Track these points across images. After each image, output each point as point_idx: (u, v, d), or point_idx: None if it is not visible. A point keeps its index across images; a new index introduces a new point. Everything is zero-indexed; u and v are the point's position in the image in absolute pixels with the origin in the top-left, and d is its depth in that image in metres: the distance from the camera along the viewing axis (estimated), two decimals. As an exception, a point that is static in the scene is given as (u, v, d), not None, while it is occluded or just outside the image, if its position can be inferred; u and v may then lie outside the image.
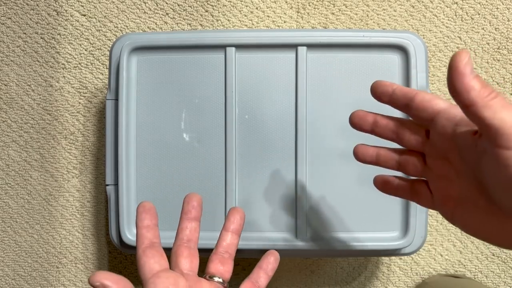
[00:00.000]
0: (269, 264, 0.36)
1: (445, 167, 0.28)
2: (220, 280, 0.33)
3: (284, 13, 0.56)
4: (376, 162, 0.32)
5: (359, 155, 0.33)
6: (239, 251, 0.48)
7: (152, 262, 0.31)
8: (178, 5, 0.57)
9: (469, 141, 0.25)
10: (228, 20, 0.56)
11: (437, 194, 0.29)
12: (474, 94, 0.23)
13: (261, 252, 0.46)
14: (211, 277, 0.33)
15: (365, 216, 0.45)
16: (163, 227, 0.46)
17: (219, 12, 0.56)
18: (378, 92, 0.31)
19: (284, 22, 0.56)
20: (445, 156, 0.27)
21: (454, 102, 0.25)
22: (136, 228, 0.33)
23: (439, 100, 0.27)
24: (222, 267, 0.33)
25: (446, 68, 0.56)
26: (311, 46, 0.45)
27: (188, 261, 0.32)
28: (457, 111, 0.26)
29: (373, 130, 0.31)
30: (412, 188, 0.31)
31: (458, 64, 0.23)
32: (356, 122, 0.32)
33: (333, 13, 0.56)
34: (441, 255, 0.57)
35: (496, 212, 0.25)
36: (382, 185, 0.33)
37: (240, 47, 0.45)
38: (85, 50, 0.57)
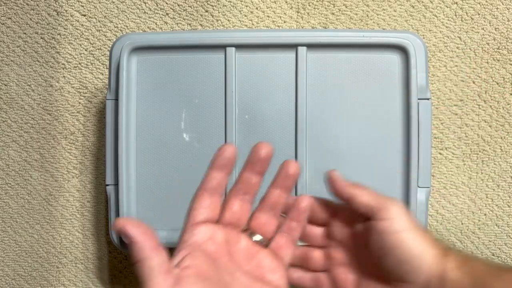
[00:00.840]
0: (301, 213, 0.32)
1: (343, 256, 0.33)
2: (260, 238, 0.31)
3: (284, 13, 0.56)
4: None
5: None
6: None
7: (201, 211, 0.29)
8: (178, 5, 0.57)
9: (360, 231, 0.31)
10: (228, 20, 0.56)
11: (337, 281, 0.32)
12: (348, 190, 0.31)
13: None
14: (251, 234, 0.31)
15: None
16: (163, 227, 0.46)
17: (219, 12, 0.56)
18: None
19: (284, 22, 0.56)
20: (344, 245, 0.33)
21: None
22: (209, 166, 0.30)
23: (329, 204, 0.33)
24: (264, 224, 0.31)
25: (446, 68, 0.56)
26: (311, 46, 0.45)
27: (235, 213, 0.30)
28: (349, 210, 0.32)
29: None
30: (315, 279, 0.33)
31: (333, 180, 0.32)
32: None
33: (333, 13, 0.56)
34: (441, 255, 0.57)
35: (387, 286, 0.30)
36: (290, 278, 0.33)
37: (240, 47, 0.45)
38: (85, 50, 0.57)
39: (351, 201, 0.31)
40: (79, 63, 0.57)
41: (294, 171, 0.31)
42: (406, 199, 0.45)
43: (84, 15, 0.57)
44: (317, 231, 0.34)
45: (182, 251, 0.28)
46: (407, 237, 0.29)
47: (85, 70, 0.57)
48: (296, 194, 0.45)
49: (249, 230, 0.31)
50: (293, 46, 0.45)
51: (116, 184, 0.46)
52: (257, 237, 0.31)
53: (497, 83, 0.56)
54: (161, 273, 0.25)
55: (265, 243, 0.31)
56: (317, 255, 0.33)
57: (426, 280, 0.28)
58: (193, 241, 0.28)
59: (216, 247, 0.29)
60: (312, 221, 0.33)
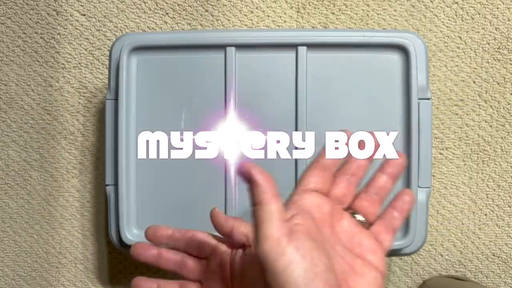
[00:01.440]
0: (404, 204, 0.32)
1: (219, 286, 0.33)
2: (362, 219, 0.31)
3: (284, 13, 0.56)
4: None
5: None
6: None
7: (311, 179, 0.30)
8: (178, 4, 0.57)
9: (239, 259, 0.33)
10: (228, 20, 0.56)
11: None
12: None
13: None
14: (354, 213, 0.31)
15: (365, 216, 0.45)
16: (163, 227, 0.46)
17: (219, 12, 0.56)
18: (154, 240, 0.35)
19: (284, 22, 0.56)
20: (221, 277, 0.33)
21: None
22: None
23: (212, 238, 0.35)
24: (368, 206, 0.31)
25: (447, 68, 0.56)
26: (311, 46, 0.45)
27: (341, 190, 0.31)
28: (226, 246, 0.34)
29: (157, 262, 0.34)
30: None
31: (214, 216, 0.34)
32: (137, 253, 0.34)
33: (333, 13, 0.56)
34: (442, 255, 0.57)
35: None
36: None
37: (240, 47, 0.45)
38: (85, 50, 0.57)
39: (232, 232, 0.33)
40: (79, 63, 0.57)
41: (400, 162, 0.33)
42: (407, 199, 0.45)
43: (84, 15, 0.57)
44: (197, 265, 0.35)
45: (292, 209, 0.28)
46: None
47: (85, 70, 0.57)
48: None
49: (351, 209, 0.31)
50: (293, 46, 0.45)
51: (116, 184, 0.46)
52: (360, 217, 0.31)
53: (498, 83, 0.56)
54: (278, 220, 0.25)
55: (367, 225, 0.31)
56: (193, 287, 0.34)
57: None
58: (303, 204, 0.29)
59: (322, 216, 0.29)
60: (194, 254, 0.35)
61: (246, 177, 0.27)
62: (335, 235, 0.30)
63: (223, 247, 0.34)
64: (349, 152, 0.33)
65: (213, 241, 0.35)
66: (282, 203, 0.26)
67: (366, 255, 0.29)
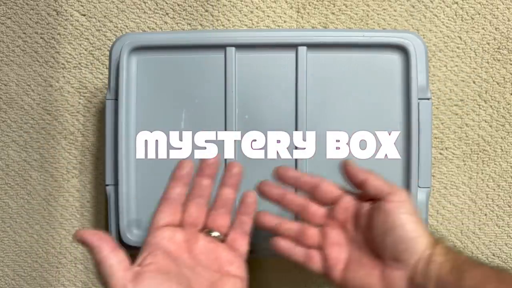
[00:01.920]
0: (248, 207, 0.36)
1: (340, 236, 0.35)
2: (217, 234, 0.34)
3: (284, 13, 0.56)
4: (276, 230, 0.36)
5: (261, 224, 0.37)
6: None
7: (162, 216, 0.33)
8: (178, 5, 0.57)
9: (365, 211, 0.34)
10: (228, 20, 0.56)
11: (329, 259, 0.35)
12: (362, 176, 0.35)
13: (260, 252, 0.46)
14: (208, 232, 0.34)
15: (365, 216, 0.45)
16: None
17: (219, 12, 0.56)
18: (282, 179, 0.37)
19: (284, 22, 0.56)
20: (342, 226, 0.35)
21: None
22: (169, 178, 0.34)
23: (337, 188, 0.36)
24: (219, 222, 0.35)
25: (447, 68, 0.56)
26: (311, 46, 0.45)
27: (192, 215, 0.34)
28: (352, 198, 0.36)
29: (281, 200, 0.37)
30: (307, 254, 0.36)
31: (349, 166, 0.35)
32: (264, 190, 0.37)
33: (333, 13, 0.56)
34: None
35: (377, 265, 0.33)
36: (280, 247, 0.36)
37: (240, 47, 0.45)
38: (85, 50, 0.57)
39: (364, 184, 0.34)
40: (79, 63, 0.57)
41: (237, 170, 0.36)
42: (407, 199, 0.45)
43: (84, 15, 0.57)
44: (318, 211, 0.37)
45: (144, 252, 0.31)
46: (410, 220, 0.32)
47: (85, 70, 0.57)
48: (295, 192, 0.45)
49: (206, 229, 0.35)
50: (293, 46, 0.45)
51: (116, 184, 0.46)
52: (215, 233, 0.34)
53: (498, 83, 0.56)
54: (120, 270, 0.28)
55: (222, 238, 0.35)
56: (313, 232, 0.36)
57: (416, 261, 0.31)
58: (154, 242, 0.32)
59: (176, 246, 0.32)
60: (318, 200, 0.37)
61: (82, 244, 0.29)
62: (194, 257, 0.33)
63: (349, 198, 0.36)
64: (196, 178, 0.35)
65: (339, 191, 0.36)
66: (122, 254, 0.29)
67: (225, 267, 0.33)
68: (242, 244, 0.35)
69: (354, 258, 0.34)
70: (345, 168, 0.35)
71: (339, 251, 0.35)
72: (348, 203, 0.36)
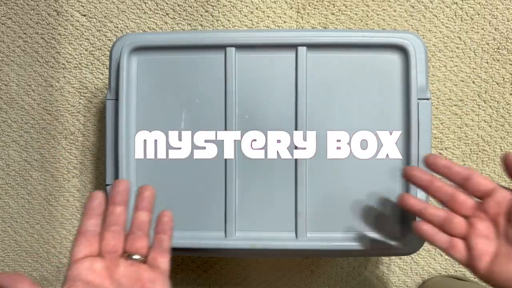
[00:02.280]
0: (164, 225, 0.36)
1: (489, 229, 0.35)
2: (138, 257, 0.35)
3: (284, 13, 0.56)
4: (421, 213, 0.37)
5: (407, 205, 0.38)
6: (238, 252, 0.48)
7: (78, 249, 0.34)
8: (178, 5, 0.57)
9: None
10: (228, 20, 0.57)
11: (475, 250, 0.35)
12: None
13: (260, 252, 0.46)
14: (129, 256, 0.35)
15: (365, 215, 0.46)
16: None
17: (219, 12, 0.56)
18: (432, 166, 0.37)
19: (284, 22, 0.56)
20: (493, 219, 0.35)
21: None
22: (82, 213, 0.35)
23: (490, 181, 0.35)
24: (137, 245, 0.35)
25: (446, 68, 0.56)
26: (311, 46, 0.45)
27: (110, 243, 0.34)
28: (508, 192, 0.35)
29: (428, 187, 0.37)
30: (450, 242, 0.36)
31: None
32: (412, 175, 0.38)
33: (333, 13, 0.56)
34: (441, 255, 0.57)
35: None
36: (423, 231, 0.37)
37: (240, 47, 0.45)
38: (85, 50, 0.57)
39: None
40: (79, 63, 0.57)
41: (149, 193, 0.36)
42: (406, 199, 0.45)
43: (84, 15, 0.57)
44: (467, 201, 0.36)
45: (66, 285, 0.32)
46: None
47: (85, 70, 0.57)
48: (296, 194, 0.45)
49: (126, 253, 0.35)
50: (293, 46, 0.45)
51: (116, 184, 0.46)
52: (136, 256, 0.35)
53: (497, 83, 0.56)
54: None
55: (142, 260, 0.35)
56: (460, 221, 0.36)
57: None
58: (74, 275, 0.33)
59: (96, 275, 0.33)
60: (469, 191, 0.36)
61: None
62: (116, 282, 0.34)
63: (504, 192, 0.35)
64: (109, 207, 0.35)
65: (492, 184, 0.36)
66: None
67: (147, 285, 0.34)
68: (163, 261, 0.35)
69: (504, 252, 0.34)
70: (507, 159, 0.35)
71: (487, 243, 0.35)
72: (503, 197, 0.35)
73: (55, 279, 0.59)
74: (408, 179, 0.38)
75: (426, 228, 0.36)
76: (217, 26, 0.57)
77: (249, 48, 0.46)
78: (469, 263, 0.35)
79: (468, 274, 0.57)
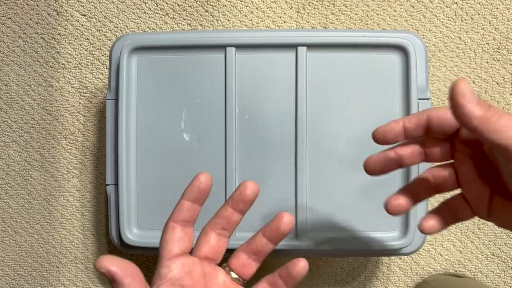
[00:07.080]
0: (293, 279, 0.31)
1: (474, 169, 0.29)
2: (236, 277, 0.31)
3: (284, 13, 0.56)
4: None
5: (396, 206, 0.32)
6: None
7: (175, 244, 0.29)
8: (178, 5, 0.57)
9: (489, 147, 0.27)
10: (228, 20, 0.56)
11: (471, 197, 0.30)
12: (477, 122, 0.24)
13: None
14: (230, 271, 0.31)
15: (365, 215, 0.46)
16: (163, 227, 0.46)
17: (219, 12, 0.56)
18: (388, 138, 0.31)
19: (284, 22, 0.56)
20: (472, 158, 0.29)
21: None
22: (182, 196, 0.30)
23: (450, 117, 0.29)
24: (244, 268, 0.32)
25: (446, 68, 0.56)
26: (311, 46, 0.45)
27: (212, 248, 0.31)
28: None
29: (401, 163, 0.31)
30: (451, 209, 0.32)
31: (456, 96, 0.24)
32: (377, 163, 0.32)
33: (333, 13, 0.56)
34: (441, 255, 0.57)
35: None
36: (429, 230, 0.32)
37: (240, 47, 0.45)
38: (85, 50, 0.57)
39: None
40: (79, 63, 0.57)
41: (287, 226, 0.31)
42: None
43: (84, 15, 0.57)
44: (441, 148, 0.30)
45: (160, 287, 0.28)
46: None
47: (85, 70, 0.57)
48: (296, 194, 0.45)
49: (228, 267, 0.32)
50: (293, 46, 0.45)
51: (116, 184, 0.46)
52: (234, 275, 0.31)
53: (497, 83, 0.56)
54: None
55: (243, 283, 0.31)
56: (448, 172, 0.31)
57: None
58: (171, 277, 0.29)
59: (193, 282, 0.29)
60: (438, 134, 0.30)
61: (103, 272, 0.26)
62: None
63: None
64: (226, 207, 0.31)
65: (453, 121, 0.29)
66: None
67: None
68: None
69: (499, 191, 0.29)
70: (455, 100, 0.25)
71: (479, 186, 0.29)
72: (467, 135, 0.29)
73: (55, 279, 0.59)
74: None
75: (432, 223, 0.32)
76: (217, 26, 0.57)
77: (249, 48, 0.46)
78: (476, 212, 0.31)
79: (468, 274, 0.57)
